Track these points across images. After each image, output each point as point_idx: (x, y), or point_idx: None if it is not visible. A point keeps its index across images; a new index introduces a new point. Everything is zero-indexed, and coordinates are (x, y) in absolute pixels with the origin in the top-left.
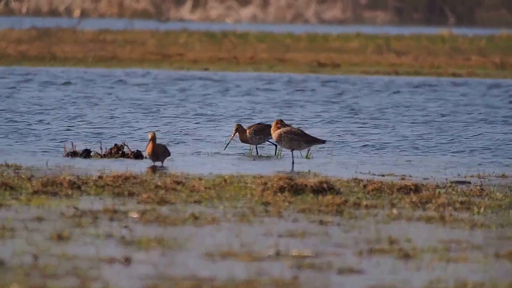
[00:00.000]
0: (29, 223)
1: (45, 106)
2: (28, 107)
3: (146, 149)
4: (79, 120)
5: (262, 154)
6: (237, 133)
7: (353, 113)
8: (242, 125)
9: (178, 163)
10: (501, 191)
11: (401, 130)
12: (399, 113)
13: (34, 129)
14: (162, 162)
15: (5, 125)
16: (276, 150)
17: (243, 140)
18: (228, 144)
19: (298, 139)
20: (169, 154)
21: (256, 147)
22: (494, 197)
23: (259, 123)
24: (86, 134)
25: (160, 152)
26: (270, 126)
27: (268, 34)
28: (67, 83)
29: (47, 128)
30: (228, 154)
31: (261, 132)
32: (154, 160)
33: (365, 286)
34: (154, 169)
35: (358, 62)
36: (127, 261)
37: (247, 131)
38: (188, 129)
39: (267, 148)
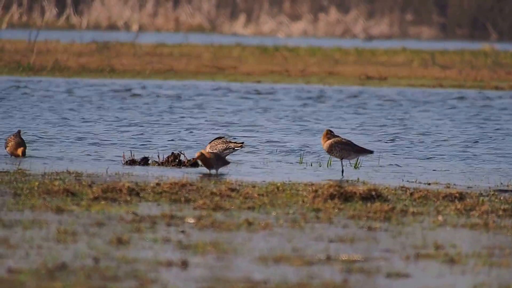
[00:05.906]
0: (89, 227)
1: (110, 115)
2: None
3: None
4: (138, 129)
5: (313, 163)
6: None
7: (401, 124)
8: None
9: (233, 171)
10: None
11: (446, 141)
12: (444, 124)
13: (96, 138)
14: (217, 170)
15: (67, 134)
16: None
17: None
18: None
19: (348, 149)
20: (224, 163)
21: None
22: None
23: (216, 138)
24: (143, 143)
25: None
26: (228, 142)
27: (318, 48)
28: (135, 95)
29: (108, 136)
30: (280, 163)
31: (214, 147)
32: (209, 168)
33: None
34: (209, 176)
35: (404, 76)
36: (184, 264)
37: (208, 146)
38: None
39: (322, 158)
